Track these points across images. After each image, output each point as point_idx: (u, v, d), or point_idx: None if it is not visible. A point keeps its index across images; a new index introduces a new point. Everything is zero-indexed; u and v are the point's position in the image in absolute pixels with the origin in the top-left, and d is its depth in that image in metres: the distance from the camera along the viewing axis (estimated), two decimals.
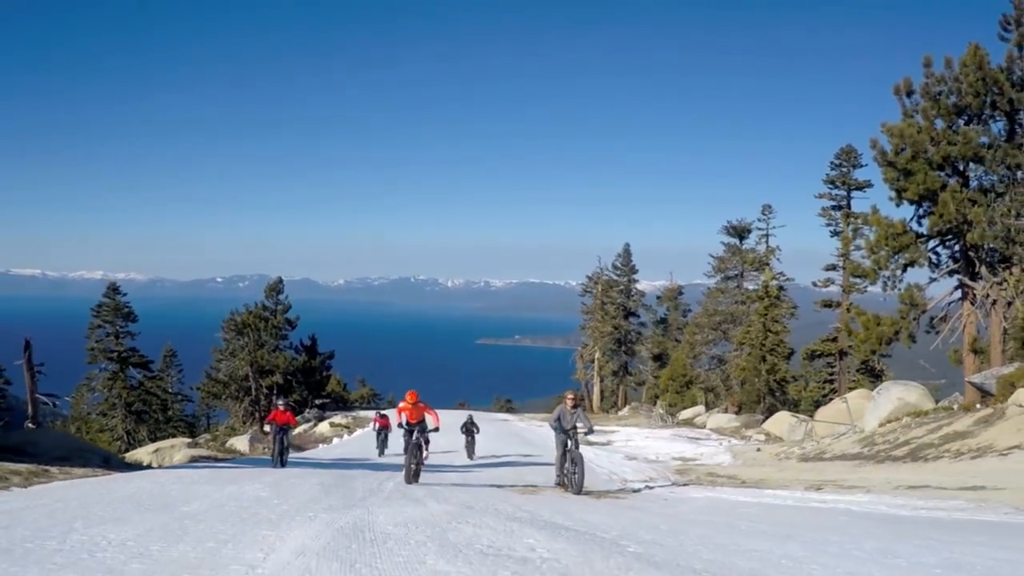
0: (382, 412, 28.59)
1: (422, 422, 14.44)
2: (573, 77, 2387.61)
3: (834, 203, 35.75)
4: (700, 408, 39.08)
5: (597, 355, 53.32)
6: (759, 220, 41.05)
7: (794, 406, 36.35)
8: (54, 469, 14.03)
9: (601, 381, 53.79)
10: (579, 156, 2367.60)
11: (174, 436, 38.22)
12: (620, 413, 45.14)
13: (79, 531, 6.34)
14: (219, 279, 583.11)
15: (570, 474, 13.19)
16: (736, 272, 42.62)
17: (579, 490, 12.88)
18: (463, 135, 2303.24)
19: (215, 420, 51.93)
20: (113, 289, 46.02)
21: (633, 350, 52.62)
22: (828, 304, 36.71)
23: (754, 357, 36.49)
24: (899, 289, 22.82)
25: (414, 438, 13.94)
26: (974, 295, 22.19)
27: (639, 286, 54.78)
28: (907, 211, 22.62)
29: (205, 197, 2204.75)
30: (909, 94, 22.07)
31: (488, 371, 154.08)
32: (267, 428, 21.63)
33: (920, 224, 22.31)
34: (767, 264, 39.76)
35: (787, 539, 7.12)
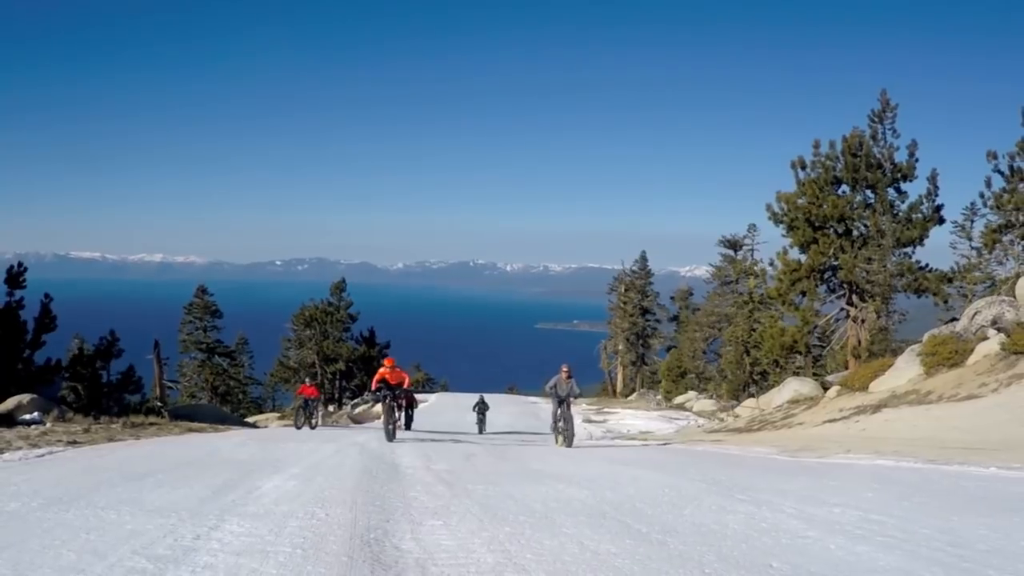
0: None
1: (400, 384, 17.62)
2: (638, 70, 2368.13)
3: None
4: (692, 394, 48.91)
5: (620, 347, 63.47)
6: (745, 236, 50.68)
7: None
8: (221, 427, 24.75)
9: (623, 370, 63.90)
10: (638, 143, 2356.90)
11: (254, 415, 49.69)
12: (629, 398, 55.21)
13: (291, 439, 17.13)
14: (278, 262, 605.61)
15: (564, 431, 16.93)
16: (731, 280, 52.13)
17: (570, 443, 16.41)
18: (523, 122, 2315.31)
19: (279, 403, 59.07)
20: (202, 290, 57.73)
21: (648, 343, 62.62)
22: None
23: (737, 353, 46.13)
24: (800, 310, 32.44)
25: (389, 401, 17.03)
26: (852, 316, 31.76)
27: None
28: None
29: (265, 180, 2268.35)
30: (803, 167, 31.57)
31: (545, 356, 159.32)
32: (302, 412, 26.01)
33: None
34: (752, 274, 49.20)
35: (610, 453, 17.38)
